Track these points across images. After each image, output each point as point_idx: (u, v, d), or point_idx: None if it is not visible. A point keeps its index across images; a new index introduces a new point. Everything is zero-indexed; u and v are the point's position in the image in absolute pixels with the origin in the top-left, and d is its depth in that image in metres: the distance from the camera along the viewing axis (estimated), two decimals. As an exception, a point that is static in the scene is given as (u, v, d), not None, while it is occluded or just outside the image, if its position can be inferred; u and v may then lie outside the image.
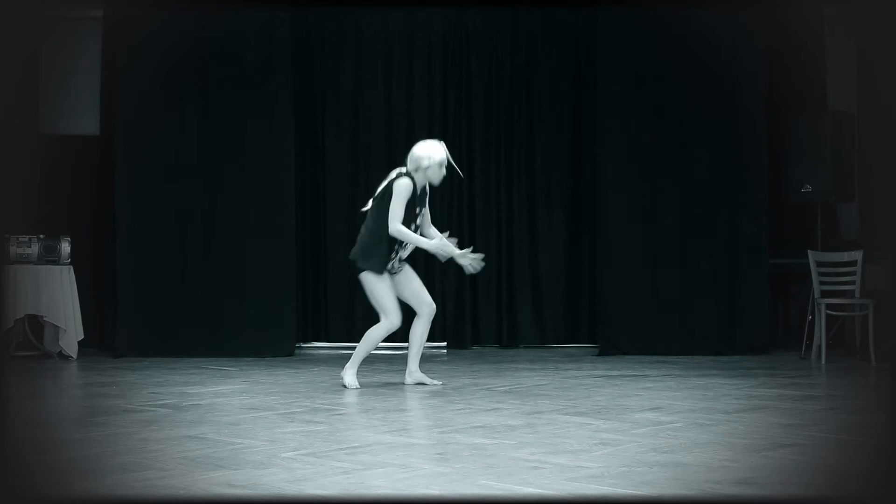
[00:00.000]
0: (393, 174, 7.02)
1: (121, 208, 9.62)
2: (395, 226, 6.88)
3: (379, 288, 7.00)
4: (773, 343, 9.88)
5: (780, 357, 9.30)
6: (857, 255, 8.99)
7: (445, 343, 10.38)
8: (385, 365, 8.72)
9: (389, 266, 7.00)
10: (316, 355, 9.77)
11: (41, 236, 9.42)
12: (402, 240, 6.94)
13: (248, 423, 5.38)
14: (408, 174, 6.96)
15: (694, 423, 5.36)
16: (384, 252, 6.95)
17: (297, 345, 9.96)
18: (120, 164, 9.66)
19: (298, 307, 10.00)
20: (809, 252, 9.14)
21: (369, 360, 9.18)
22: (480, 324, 10.58)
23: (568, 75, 10.65)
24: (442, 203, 10.47)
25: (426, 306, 7.15)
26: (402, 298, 7.13)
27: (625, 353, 9.51)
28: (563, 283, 10.63)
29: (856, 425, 5.50)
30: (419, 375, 7.24)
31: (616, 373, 7.77)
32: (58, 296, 9.29)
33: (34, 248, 9.36)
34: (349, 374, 7.17)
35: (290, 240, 9.75)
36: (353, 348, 7.28)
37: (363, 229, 7.08)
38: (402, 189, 6.88)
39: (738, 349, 9.56)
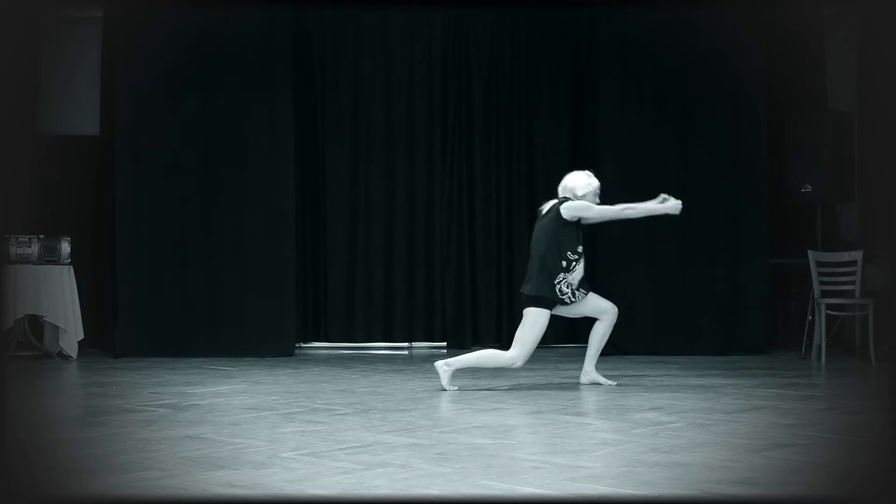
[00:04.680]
0: (551, 204, 6.96)
1: (120, 208, 9.61)
2: (611, 208, 6.89)
3: (534, 323, 6.82)
4: (773, 343, 9.89)
5: (780, 357, 9.30)
6: (857, 255, 8.99)
7: (445, 343, 10.38)
8: (385, 365, 8.72)
9: (562, 294, 6.86)
10: (316, 355, 9.77)
11: (41, 236, 9.41)
12: (632, 213, 6.92)
13: (248, 423, 5.38)
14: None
15: (694, 423, 5.36)
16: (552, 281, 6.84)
17: (297, 345, 9.96)
18: (120, 164, 9.66)
19: (298, 307, 9.99)
20: (809, 252, 9.13)
21: (369, 360, 9.21)
22: (480, 324, 10.56)
23: (568, 75, 10.64)
24: (442, 203, 10.50)
25: (607, 313, 7.09)
26: (584, 314, 7.10)
27: (625, 354, 9.51)
28: (563, 283, 10.62)
29: (856, 425, 5.50)
30: (594, 375, 7.20)
31: (616, 373, 7.76)
32: (58, 296, 9.29)
33: (34, 248, 9.35)
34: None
35: (291, 239, 9.75)
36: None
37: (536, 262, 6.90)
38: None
39: (738, 349, 9.56)
